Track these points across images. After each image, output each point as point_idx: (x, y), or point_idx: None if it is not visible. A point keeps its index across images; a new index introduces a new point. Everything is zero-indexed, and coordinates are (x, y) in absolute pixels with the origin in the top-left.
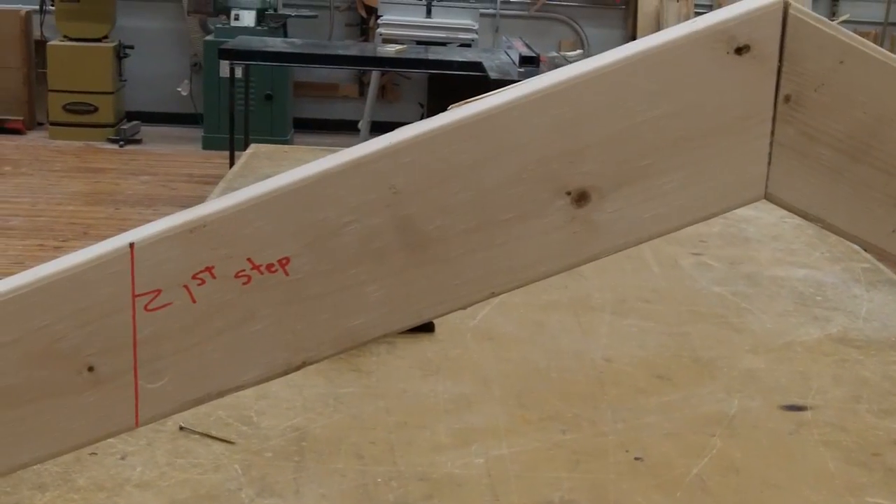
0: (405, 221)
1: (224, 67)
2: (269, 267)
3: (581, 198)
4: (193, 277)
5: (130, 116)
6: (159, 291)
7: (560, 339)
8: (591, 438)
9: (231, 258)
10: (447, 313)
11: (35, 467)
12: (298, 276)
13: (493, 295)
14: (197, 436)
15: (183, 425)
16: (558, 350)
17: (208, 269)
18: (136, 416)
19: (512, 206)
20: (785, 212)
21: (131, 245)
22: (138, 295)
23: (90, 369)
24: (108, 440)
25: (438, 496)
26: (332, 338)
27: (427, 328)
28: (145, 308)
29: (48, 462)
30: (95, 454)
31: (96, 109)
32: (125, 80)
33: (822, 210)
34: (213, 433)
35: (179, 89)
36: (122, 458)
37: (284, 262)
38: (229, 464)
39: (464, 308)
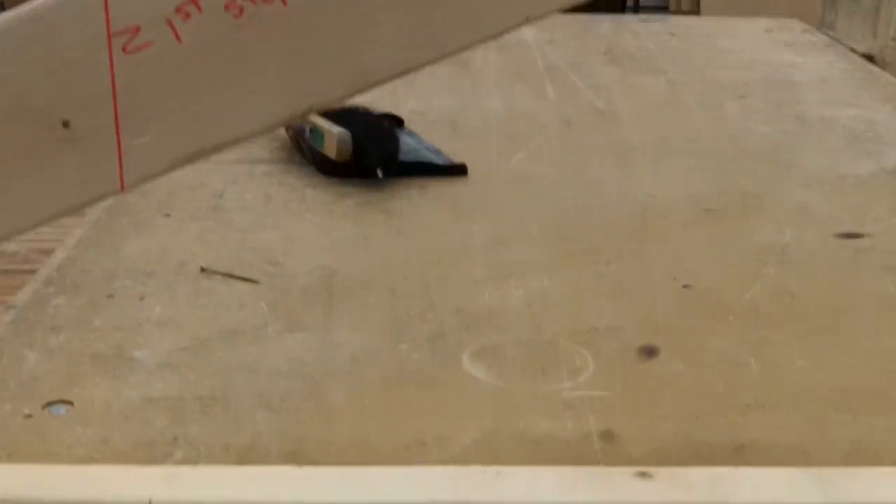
0: None
1: None
2: None
3: None
4: (177, 11)
5: None
6: (138, 29)
7: (600, 178)
8: (636, 269)
9: None
10: (475, 44)
11: (48, 311)
12: (297, 5)
13: (528, 21)
14: (219, 277)
15: (204, 266)
16: (599, 189)
17: (193, 0)
18: (121, 176)
19: None
20: (832, 56)
21: None
22: (114, 35)
23: (65, 125)
24: (125, 282)
25: (476, 327)
26: (341, 77)
27: (460, 171)
28: (123, 50)
29: (62, 305)
30: (112, 297)
31: None
32: None
33: None
34: (237, 273)
35: None
36: (141, 300)
37: None
38: (254, 302)
39: (494, 37)
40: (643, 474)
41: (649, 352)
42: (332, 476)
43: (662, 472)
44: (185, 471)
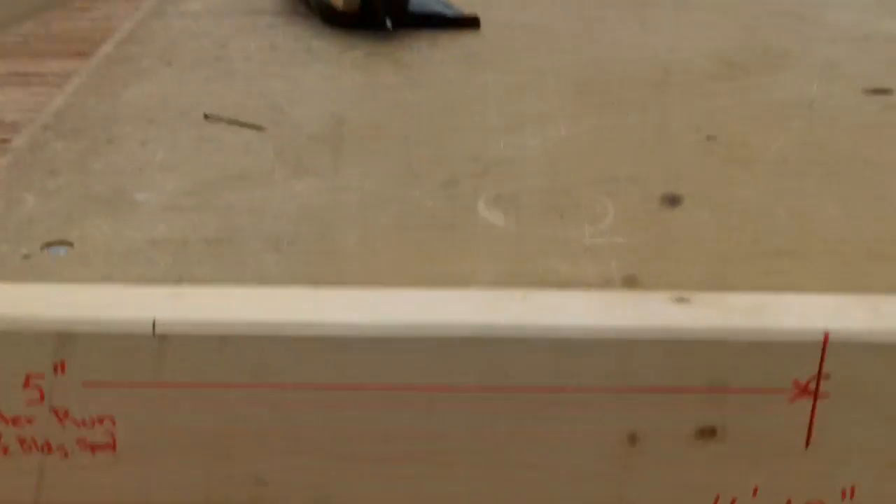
0: None
1: None
2: None
3: None
4: None
5: None
6: None
7: (619, 32)
8: (657, 120)
9: None
10: None
11: (46, 155)
12: None
13: None
14: (224, 123)
15: (208, 113)
16: (618, 42)
17: None
18: None
19: None
20: None
21: None
22: None
23: None
24: (125, 128)
25: (491, 174)
26: None
27: (472, 23)
28: None
29: (61, 149)
30: (112, 142)
31: None
32: None
33: None
34: (242, 120)
35: None
36: (143, 145)
37: None
38: (261, 148)
39: None
40: (681, 299)
41: (672, 200)
42: (352, 297)
43: (701, 298)
44: (193, 290)
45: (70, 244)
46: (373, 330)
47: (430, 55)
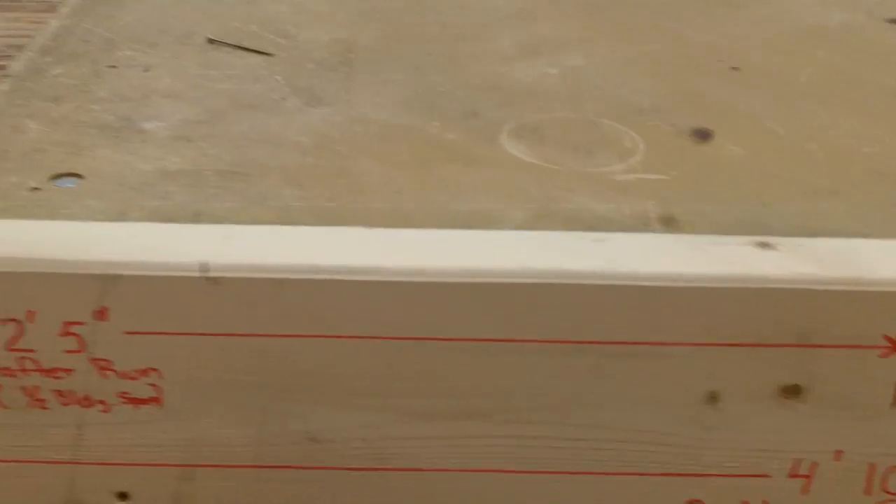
0: None
1: None
2: None
3: None
4: None
5: None
6: None
7: None
8: (677, 49)
9: None
10: None
11: (47, 81)
12: None
13: None
14: (228, 48)
15: (212, 37)
16: None
17: None
18: None
19: None
20: None
21: None
22: None
23: None
24: (127, 52)
25: (511, 104)
26: None
27: None
28: None
29: (62, 74)
30: (115, 67)
31: None
32: None
33: None
34: (247, 45)
35: None
36: (146, 71)
37: None
38: (269, 75)
39: None
40: (764, 244)
41: (703, 135)
42: (409, 239)
43: (785, 243)
44: (246, 231)
45: (80, 176)
46: (437, 275)
47: None
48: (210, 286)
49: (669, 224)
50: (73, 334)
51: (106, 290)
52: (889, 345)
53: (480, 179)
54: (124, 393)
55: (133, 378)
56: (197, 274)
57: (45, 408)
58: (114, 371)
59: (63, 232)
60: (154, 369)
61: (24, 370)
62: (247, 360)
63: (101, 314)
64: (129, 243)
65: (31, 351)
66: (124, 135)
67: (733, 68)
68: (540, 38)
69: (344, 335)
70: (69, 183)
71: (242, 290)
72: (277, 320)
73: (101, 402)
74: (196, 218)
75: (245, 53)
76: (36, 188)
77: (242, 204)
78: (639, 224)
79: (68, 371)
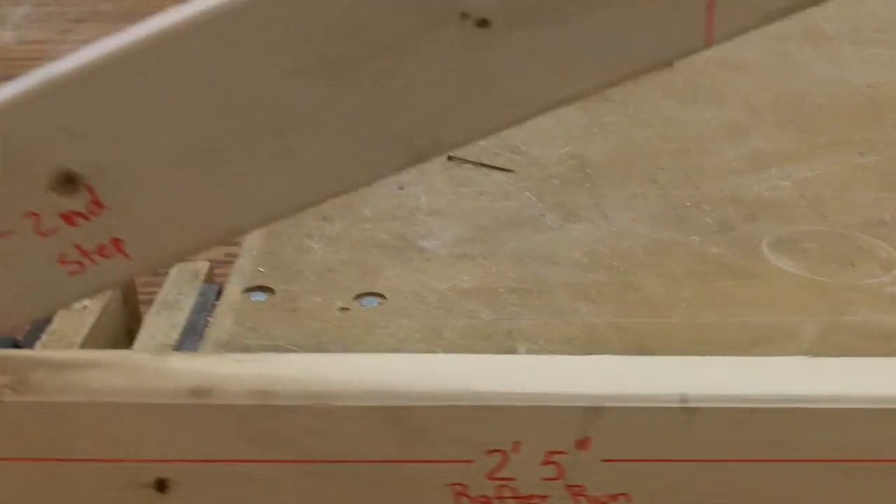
0: None
1: None
2: None
3: None
4: None
5: None
6: None
7: (809, 67)
8: (893, 160)
9: None
10: None
11: None
12: None
13: None
14: (470, 165)
15: (452, 155)
16: (813, 77)
17: None
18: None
19: None
20: None
21: None
22: None
23: None
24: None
25: (758, 217)
26: None
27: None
28: None
29: None
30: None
31: None
32: None
33: None
34: (486, 162)
35: None
36: (400, 189)
37: None
38: (518, 191)
39: None
40: None
41: None
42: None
43: None
44: (715, 361)
45: (381, 296)
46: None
47: (635, 91)
48: (687, 415)
49: None
50: (554, 463)
51: (590, 420)
52: None
53: (760, 292)
54: None
55: (603, 503)
56: (677, 405)
57: None
58: (585, 496)
59: (512, 365)
60: (624, 494)
61: (500, 497)
62: (714, 486)
63: (583, 444)
64: (607, 376)
65: (511, 479)
66: (406, 253)
67: None
68: (759, 152)
69: (800, 459)
70: (373, 302)
71: (716, 418)
72: (744, 446)
73: None
74: (509, 335)
75: (486, 170)
76: (344, 308)
77: (545, 320)
78: None
79: (543, 497)
